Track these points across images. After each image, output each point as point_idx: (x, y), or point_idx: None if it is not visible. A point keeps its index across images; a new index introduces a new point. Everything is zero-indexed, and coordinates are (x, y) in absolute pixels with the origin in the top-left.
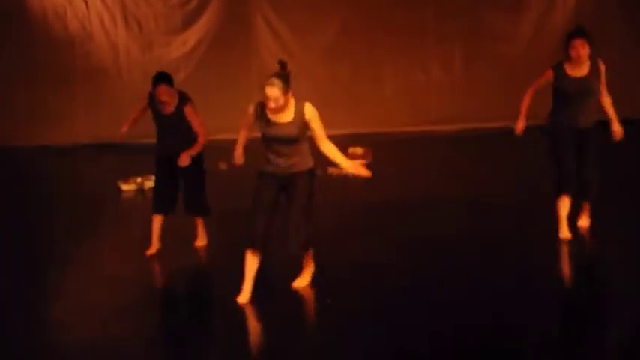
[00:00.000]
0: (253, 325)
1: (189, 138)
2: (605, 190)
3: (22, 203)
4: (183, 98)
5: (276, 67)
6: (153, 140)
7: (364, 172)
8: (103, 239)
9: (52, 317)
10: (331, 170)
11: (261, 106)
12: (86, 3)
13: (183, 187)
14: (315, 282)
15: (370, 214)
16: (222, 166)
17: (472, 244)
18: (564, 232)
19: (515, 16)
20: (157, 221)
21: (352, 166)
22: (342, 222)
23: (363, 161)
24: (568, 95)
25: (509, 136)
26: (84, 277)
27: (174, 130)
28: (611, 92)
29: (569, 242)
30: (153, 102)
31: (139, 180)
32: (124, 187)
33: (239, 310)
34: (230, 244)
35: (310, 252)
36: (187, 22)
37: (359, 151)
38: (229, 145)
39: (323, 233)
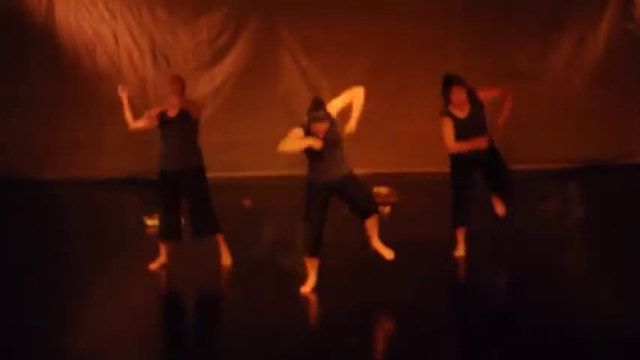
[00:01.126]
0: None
1: (195, 150)
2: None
3: (47, 235)
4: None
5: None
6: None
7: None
8: (125, 272)
9: (73, 347)
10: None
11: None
12: (115, 39)
13: (189, 208)
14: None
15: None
16: (247, 203)
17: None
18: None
19: (543, 56)
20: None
21: None
22: (361, 260)
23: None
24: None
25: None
26: (106, 308)
27: (178, 138)
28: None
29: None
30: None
31: None
32: (149, 222)
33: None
34: (251, 278)
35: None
36: (216, 59)
37: (383, 190)
38: (253, 183)
39: (343, 271)
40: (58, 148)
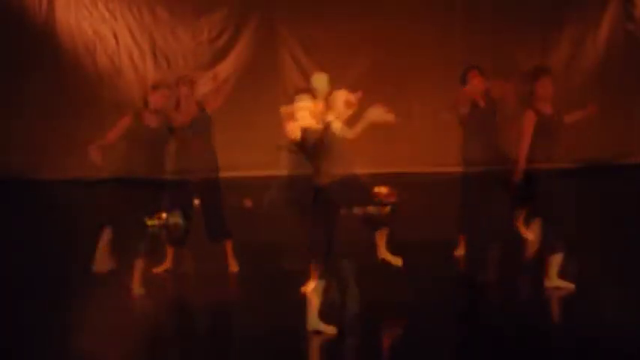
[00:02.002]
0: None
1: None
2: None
3: (47, 235)
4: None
5: None
6: (179, 176)
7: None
8: (125, 272)
9: (73, 347)
10: (356, 210)
11: None
12: (116, 38)
13: (205, 212)
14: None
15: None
16: (248, 203)
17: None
18: None
19: (543, 56)
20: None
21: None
22: (361, 260)
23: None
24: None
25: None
26: (106, 308)
27: (194, 140)
28: None
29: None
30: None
31: (163, 215)
32: (149, 222)
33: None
34: (257, 280)
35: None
36: (216, 59)
37: (383, 190)
38: (255, 182)
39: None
40: (57, 148)
